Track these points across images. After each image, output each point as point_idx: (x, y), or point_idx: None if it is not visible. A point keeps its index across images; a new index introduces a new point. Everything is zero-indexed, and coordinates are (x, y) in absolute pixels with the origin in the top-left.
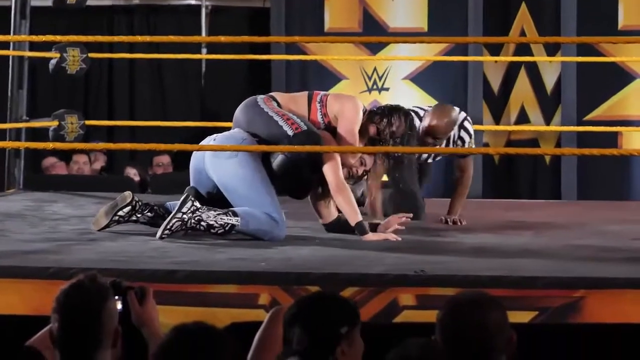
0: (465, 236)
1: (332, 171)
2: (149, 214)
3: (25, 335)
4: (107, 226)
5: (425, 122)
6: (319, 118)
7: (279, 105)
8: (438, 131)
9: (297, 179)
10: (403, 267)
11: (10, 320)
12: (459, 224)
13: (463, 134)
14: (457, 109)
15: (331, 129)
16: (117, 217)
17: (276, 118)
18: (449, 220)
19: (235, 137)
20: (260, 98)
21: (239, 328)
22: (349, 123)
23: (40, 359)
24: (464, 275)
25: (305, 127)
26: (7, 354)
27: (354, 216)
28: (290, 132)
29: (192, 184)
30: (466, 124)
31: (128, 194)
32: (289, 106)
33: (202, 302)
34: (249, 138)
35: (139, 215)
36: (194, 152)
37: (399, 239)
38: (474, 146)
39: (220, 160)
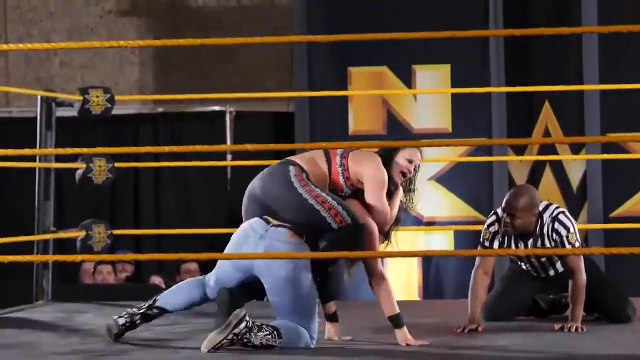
0: (496, 337)
1: (372, 260)
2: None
3: None
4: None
5: (504, 200)
6: (342, 181)
7: (307, 177)
8: (512, 206)
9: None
10: None
11: None
12: (581, 331)
13: (558, 226)
14: (537, 197)
15: (355, 189)
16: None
17: (318, 207)
18: (571, 329)
19: (287, 250)
20: (292, 173)
21: None
22: (376, 189)
23: None
24: None
25: (349, 220)
26: None
27: (392, 308)
28: (334, 226)
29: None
30: (562, 217)
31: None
32: (314, 171)
33: None
34: (300, 249)
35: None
36: (236, 233)
37: (427, 343)
38: (577, 243)
39: (273, 277)
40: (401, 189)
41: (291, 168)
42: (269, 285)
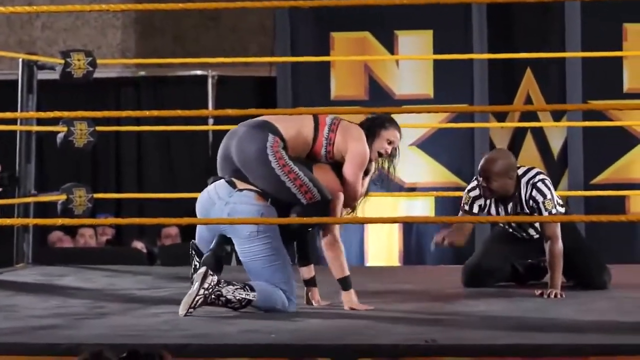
0: (475, 302)
1: (329, 225)
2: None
3: None
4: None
5: (480, 163)
6: (322, 153)
7: (285, 145)
8: (486, 169)
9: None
10: (413, 336)
11: None
12: (559, 297)
13: (535, 193)
14: (513, 160)
15: (333, 162)
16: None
17: (288, 184)
18: (550, 294)
19: (252, 212)
20: (269, 143)
21: None
22: (356, 167)
23: None
24: (476, 344)
25: (318, 197)
26: None
27: (341, 270)
28: (304, 201)
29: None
30: (540, 184)
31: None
32: (294, 140)
33: None
34: (266, 210)
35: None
36: (201, 197)
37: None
38: (554, 210)
39: (239, 237)
40: (373, 165)
41: (270, 137)
42: (237, 246)
